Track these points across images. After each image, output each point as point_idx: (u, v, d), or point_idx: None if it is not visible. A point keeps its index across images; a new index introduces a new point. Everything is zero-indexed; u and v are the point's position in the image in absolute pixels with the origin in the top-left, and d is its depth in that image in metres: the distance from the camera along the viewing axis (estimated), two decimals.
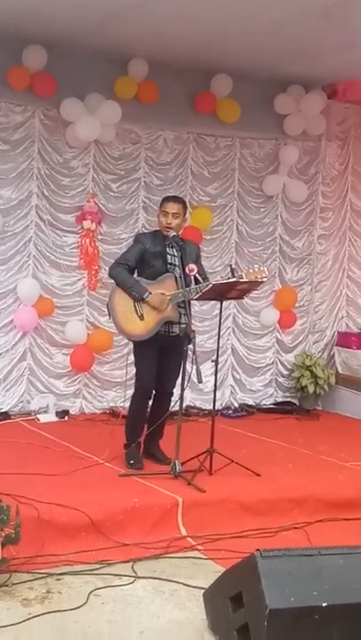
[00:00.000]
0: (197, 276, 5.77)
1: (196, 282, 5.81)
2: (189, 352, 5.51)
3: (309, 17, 6.10)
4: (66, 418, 7.50)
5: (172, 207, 5.86)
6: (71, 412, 7.67)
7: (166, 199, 6.02)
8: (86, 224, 7.59)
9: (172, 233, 5.83)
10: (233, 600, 3.63)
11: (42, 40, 6.99)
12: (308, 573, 3.54)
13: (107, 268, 6.45)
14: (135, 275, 5.89)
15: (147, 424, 6.01)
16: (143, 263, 5.85)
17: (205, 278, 5.87)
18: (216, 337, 6.18)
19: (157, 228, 6.04)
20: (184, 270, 5.72)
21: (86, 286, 7.72)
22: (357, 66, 7.47)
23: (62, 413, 7.51)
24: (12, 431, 6.87)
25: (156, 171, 7.99)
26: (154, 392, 5.98)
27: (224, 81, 7.94)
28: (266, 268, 5.95)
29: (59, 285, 7.65)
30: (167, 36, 6.75)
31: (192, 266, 5.68)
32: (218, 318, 6.13)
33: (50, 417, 7.41)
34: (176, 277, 5.78)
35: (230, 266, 6.06)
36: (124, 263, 5.84)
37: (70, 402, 7.76)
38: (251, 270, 5.87)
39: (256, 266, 6.05)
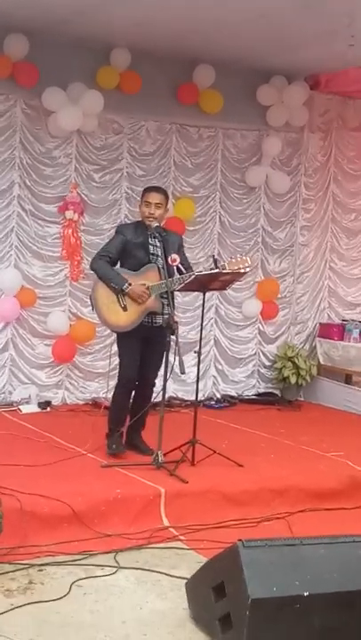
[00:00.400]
0: (180, 266, 5.76)
1: (179, 272, 5.80)
2: (172, 343, 5.50)
3: (291, 7, 6.11)
4: (48, 409, 7.49)
5: (155, 197, 5.85)
6: (53, 402, 7.66)
7: (148, 189, 6.01)
8: (69, 214, 7.57)
9: (155, 223, 5.82)
10: (215, 590, 3.64)
11: (23, 29, 6.94)
12: (290, 563, 3.56)
13: (89, 259, 6.43)
14: (118, 266, 5.88)
15: (129, 415, 6.01)
16: (125, 254, 5.84)
17: (189, 268, 5.87)
18: (199, 328, 6.19)
19: (139, 219, 6.03)
20: (167, 261, 5.72)
21: (69, 277, 7.70)
22: (339, 57, 7.46)
23: (44, 404, 7.50)
24: None
25: (139, 161, 7.97)
26: (136, 383, 5.98)
27: (207, 71, 7.93)
28: (249, 258, 5.95)
29: (41, 276, 7.62)
30: (149, 25, 6.73)
31: (174, 256, 5.67)
32: (200, 309, 6.14)
33: (32, 408, 7.40)
34: (159, 268, 5.77)
35: (213, 256, 6.05)
36: (105, 255, 5.83)
37: (52, 393, 7.75)
38: (233, 260, 5.86)
39: (239, 255, 6.05)
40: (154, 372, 5.97)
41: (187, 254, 7.87)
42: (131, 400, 6.03)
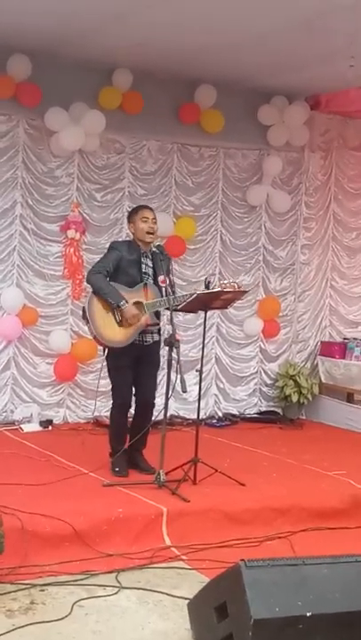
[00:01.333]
0: (168, 288, 5.76)
1: (166, 294, 5.79)
2: (173, 361, 5.51)
3: (292, 28, 6.16)
4: (49, 427, 7.48)
5: (151, 213, 5.93)
6: (55, 421, 7.65)
7: (142, 207, 6.07)
8: (70, 233, 7.60)
9: (156, 242, 5.87)
10: (217, 610, 3.62)
11: (26, 50, 7.00)
12: (293, 583, 3.54)
13: (89, 269, 6.43)
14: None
15: (129, 435, 6.00)
16: (119, 271, 5.86)
17: (174, 292, 5.85)
18: (200, 346, 6.19)
19: (130, 239, 6.08)
20: (156, 281, 5.74)
21: (70, 296, 7.72)
22: (340, 77, 7.52)
23: (46, 423, 7.49)
24: None
25: (141, 180, 8.01)
26: (135, 403, 5.97)
27: (208, 91, 7.99)
28: (237, 283, 5.96)
29: (43, 295, 7.64)
30: (151, 46, 6.79)
31: (162, 277, 5.69)
32: (202, 327, 6.14)
33: (33, 426, 7.39)
34: (154, 286, 5.80)
35: (205, 279, 6.08)
36: (102, 270, 5.85)
37: (54, 411, 7.75)
38: (227, 283, 5.89)
39: (227, 281, 6.08)
40: (151, 392, 5.97)
41: (187, 272, 7.97)
42: (130, 418, 6.03)
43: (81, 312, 6.14)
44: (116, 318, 5.74)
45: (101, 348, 6.20)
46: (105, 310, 5.76)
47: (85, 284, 6.33)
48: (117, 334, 5.77)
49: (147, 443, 6.04)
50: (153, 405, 6.01)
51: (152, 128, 7.89)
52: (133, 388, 5.98)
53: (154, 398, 6.01)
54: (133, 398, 6.04)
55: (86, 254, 7.74)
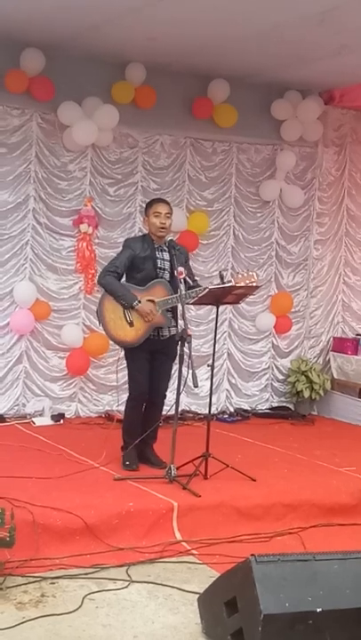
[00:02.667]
0: (187, 278, 5.77)
1: (186, 285, 5.81)
2: (185, 356, 5.51)
3: (305, 22, 6.14)
4: (61, 421, 7.50)
5: (164, 207, 5.91)
6: (67, 415, 7.67)
7: (156, 201, 6.05)
8: (83, 227, 7.60)
9: (169, 236, 5.88)
10: (227, 605, 3.62)
11: (39, 44, 7.01)
12: (303, 579, 3.54)
13: (101, 270, 6.45)
14: (124, 279, 5.90)
15: (141, 428, 6.01)
16: (133, 268, 5.86)
17: (194, 280, 5.90)
18: (212, 341, 6.19)
19: (145, 233, 6.07)
20: (173, 275, 5.74)
21: (83, 290, 7.73)
22: (353, 71, 7.50)
23: (58, 417, 7.51)
24: (7, 434, 6.86)
25: (154, 175, 8.00)
26: (149, 396, 5.98)
27: (221, 86, 7.97)
28: (256, 273, 5.94)
29: (55, 289, 7.65)
30: (164, 40, 6.78)
31: (181, 269, 5.68)
32: (214, 323, 6.14)
33: (45, 420, 7.41)
34: (166, 283, 5.81)
35: (220, 272, 6.07)
36: (113, 271, 5.84)
37: (66, 405, 7.77)
38: (240, 276, 5.87)
39: (245, 271, 6.06)
40: (164, 384, 5.98)
41: (200, 267, 7.96)
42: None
43: (95, 311, 6.17)
44: (127, 319, 5.75)
45: None
46: (116, 311, 5.78)
47: (97, 285, 6.32)
48: (128, 335, 5.79)
49: (157, 437, 6.05)
50: (164, 397, 6.02)
51: (165, 122, 7.88)
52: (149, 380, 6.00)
53: (166, 390, 6.02)
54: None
55: (99, 248, 7.75)
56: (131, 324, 5.75)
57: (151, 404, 6.00)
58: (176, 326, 5.89)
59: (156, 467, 5.86)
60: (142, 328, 5.76)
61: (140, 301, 5.71)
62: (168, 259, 5.87)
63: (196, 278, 6.04)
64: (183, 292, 5.66)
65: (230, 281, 5.85)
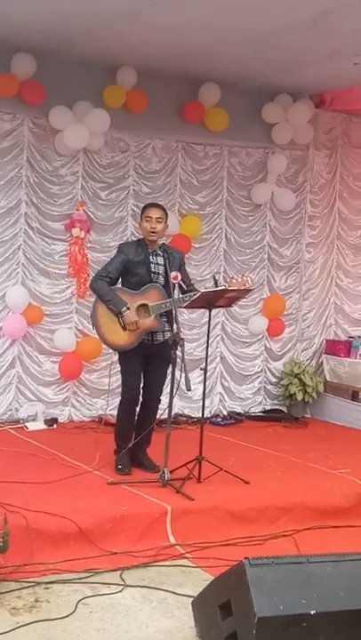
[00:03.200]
0: (181, 283, 5.79)
1: (181, 289, 5.83)
2: (178, 360, 5.51)
3: (297, 26, 6.15)
4: (54, 426, 7.49)
5: (155, 212, 5.91)
6: (60, 420, 7.66)
7: (148, 205, 6.07)
8: (75, 232, 7.60)
9: (160, 241, 5.90)
10: (222, 608, 3.62)
11: (31, 48, 7.01)
12: (297, 581, 3.54)
13: (94, 275, 6.45)
14: (119, 284, 5.90)
15: (134, 432, 6.01)
16: (127, 273, 5.87)
17: (190, 285, 5.91)
18: (205, 345, 6.20)
19: (140, 238, 6.08)
20: (167, 279, 5.75)
21: (75, 294, 7.73)
22: (344, 75, 7.52)
23: (51, 421, 7.50)
24: (0, 439, 6.84)
25: (145, 179, 8.01)
26: (141, 400, 5.99)
27: (212, 90, 7.98)
28: (250, 278, 5.97)
29: (48, 293, 7.65)
30: (156, 45, 6.79)
31: (175, 273, 5.70)
32: (207, 326, 6.15)
33: (38, 425, 7.40)
34: (161, 287, 5.81)
35: (214, 276, 6.09)
36: (105, 275, 5.86)
37: (59, 410, 7.75)
38: (235, 280, 5.89)
39: (240, 275, 6.07)
40: (158, 388, 5.99)
41: (193, 271, 7.94)
42: (136, 417, 6.04)
43: (89, 314, 6.19)
44: (120, 323, 5.77)
45: None
46: (109, 315, 5.80)
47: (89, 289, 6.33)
48: (121, 339, 5.80)
49: (151, 441, 6.05)
50: (158, 401, 6.03)
51: (156, 127, 7.88)
52: (143, 384, 6.00)
53: (160, 394, 6.03)
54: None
55: (91, 253, 7.75)
56: (124, 327, 5.76)
57: (145, 408, 6.01)
58: (171, 330, 5.90)
59: (149, 471, 5.86)
60: (135, 333, 5.77)
61: (128, 308, 5.72)
62: (162, 263, 5.88)
63: (192, 282, 6.05)
64: (176, 297, 5.68)
65: (223, 285, 5.86)
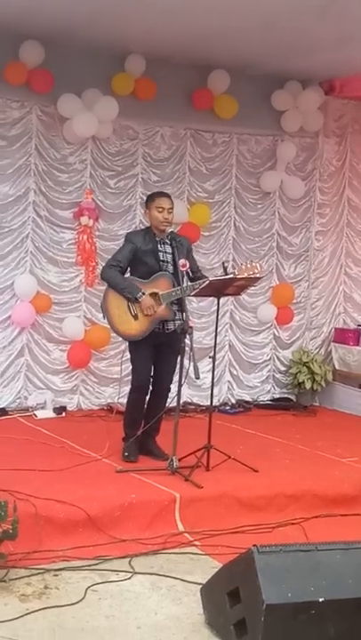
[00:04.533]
0: (189, 271, 5.77)
1: (188, 277, 5.82)
2: (187, 348, 5.51)
3: (306, 12, 6.11)
4: (63, 414, 7.51)
5: (168, 202, 5.89)
6: (68, 408, 7.68)
7: (159, 195, 6.02)
8: (84, 220, 7.59)
9: (169, 229, 5.87)
10: (230, 595, 3.63)
11: (39, 36, 6.98)
12: (305, 569, 3.55)
13: (104, 265, 6.45)
14: (128, 274, 5.90)
15: (143, 420, 6.01)
16: (135, 262, 5.86)
17: (198, 271, 5.91)
18: (213, 333, 6.19)
19: (147, 226, 6.06)
20: (176, 267, 5.74)
21: (84, 282, 7.73)
22: (354, 62, 7.47)
23: (60, 409, 7.52)
24: (9, 427, 6.88)
25: (154, 167, 7.99)
26: (151, 388, 5.99)
27: (221, 77, 7.94)
28: (259, 264, 5.93)
29: (56, 281, 7.65)
30: (164, 31, 6.75)
31: (183, 261, 5.69)
32: (215, 314, 6.14)
33: (47, 413, 7.42)
34: (170, 276, 5.80)
35: (223, 263, 6.07)
36: (115, 265, 5.85)
37: (68, 398, 7.77)
38: (244, 267, 5.87)
39: (249, 261, 6.05)
40: (168, 377, 5.98)
41: (202, 259, 7.95)
42: (145, 405, 6.05)
43: (99, 304, 6.18)
44: (131, 312, 5.76)
45: None
46: (120, 305, 5.78)
47: (100, 279, 6.31)
48: (133, 328, 5.79)
49: (160, 429, 6.05)
50: (169, 389, 6.02)
51: (165, 114, 7.85)
52: (153, 372, 6.00)
53: (170, 382, 6.01)
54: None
55: (99, 241, 7.74)
56: (135, 317, 5.76)
57: (155, 397, 6.00)
58: (181, 319, 5.89)
59: (158, 458, 5.86)
60: (146, 321, 5.76)
61: (143, 293, 5.71)
62: (170, 251, 5.86)
63: (200, 269, 6.04)
64: (185, 285, 5.67)
65: (234, 272, 5.84)
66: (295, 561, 3.57)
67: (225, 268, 5.89)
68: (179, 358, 5.66)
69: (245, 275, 5.79)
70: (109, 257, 6.18)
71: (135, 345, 5.92)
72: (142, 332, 5.78)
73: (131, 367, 6.06)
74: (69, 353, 7.68)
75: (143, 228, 6.45)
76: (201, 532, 4.96)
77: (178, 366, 5.73)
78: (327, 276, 9.03)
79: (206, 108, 8.03)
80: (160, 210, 5.84)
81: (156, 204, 5.88)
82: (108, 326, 6.12)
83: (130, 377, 6.11)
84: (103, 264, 6.76)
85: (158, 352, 5.90)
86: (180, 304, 5.81)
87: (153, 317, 5.75)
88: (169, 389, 6.04)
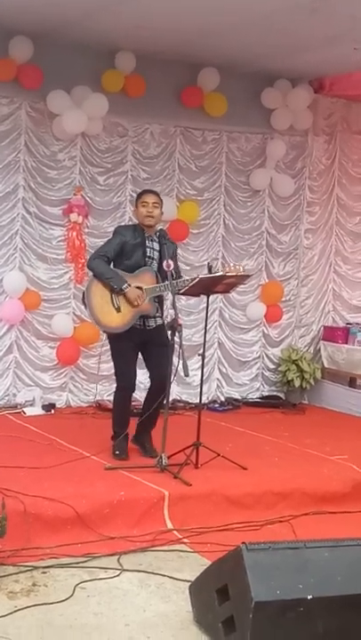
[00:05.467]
0: (173, 272, 5.75)
1: (172, 278, 5.78)
2: (176, 346, 5.50)
3: (296, 11, 6.11)
4: (52, 411, 7.49)
5: (152, 197, 5.90)
6: (57, 405, 7.66)
7: (144, 192, 6.06)
8: (73, 217, 7.58)
9: (159, 226, 5.87)
10: (219, 593, 3.63)
11: (28, 31, 6.96)
12: (294, 566, 3.55)
13: (91, 255, 6.42)
14: (112, 266, 5.89)
15: (143, 410, 5.98)
16: (122, 255, 5.84)
17: (179, 274, 5.88)
18: (203, 331, 6.19)
19: (136, 223, 6.07)
20: (161, 265, 5.73)
21: (73, 279, 7.71)
22: (344, 60, 7.48)
23: (48, 407, 7.50)
24: None
25: (143, 164, 7.97)
26: (150, 382, 5.97)
27: (211, 75, 7.94)
28: (243, 267, 5.95)
29: (45, 278, 7.63)
30: (154, 29, 6.74)
31: (170, 262, 5.68)
32: (205, 312, 6.13)
33: (36, 410, 7.40)
34: (155, 271, 5.81)
35: (208, 263, 6.07)
36: (103, 255, 5.84)
37: (57, 395, 7.76)
38: (227, 268, 5.88)
39: (232, 264, 6.06)
40: (164, 369, 5.83)
41: (191, 257, 7.95)
42: (144, 398, 6.03)
43: (81, 296, 6.15)
44: (114, 304, 5.74)
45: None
46: (103, 296, 5.76)
47: (87, 268, 6.30)
48: (114, 320, 5.77)
49: (156, 423, 6.00)
50: (165, 378, 5.91)
51: (155, 111, 7.85)
52: (147, 369, 6.01)
53: (165, 372, 5.93)
54: (146, 378, 6.06)
55: (89, 238, 7.72)
56: (118, 309, 5.74)
57: (155, 389, 5.89)
58: (162, 316, 5.90)
59: (147, 455, 5.85)
60: (129, 314, 5.74)
61: (129, 285, 5.70)
62: (158, 249, 5.88)
63: (182, 274, 5.98)
64: (173, 281, 5.66)
65: (218, 271, 5.84)
66: (284, 558, 3.57)
67: (210, 268, 5.89)
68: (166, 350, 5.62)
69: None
70: (98, 249, 6.15)
71: (116, 344, 5.90)
72: (123, 325, 5.74)
73: (114, 370, 6.03)
74: (58, 350, 7.66)
75: (132, 224, 6.44)
76: (190, 529, 4.97)
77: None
78: (316, 274, 9.04)
79: (196, 106, 8.02)
80: (144, 204, 5.86)
81: (141, 199, 5.91)
82: (89, 317, 6.05)
83: (113, 375, 6.07)
84: None
85: (145, 350, 5.89)
86: (159, 301, 5.84)
87: (136, 311, 5.73)
88: (165, 377, 5.76)
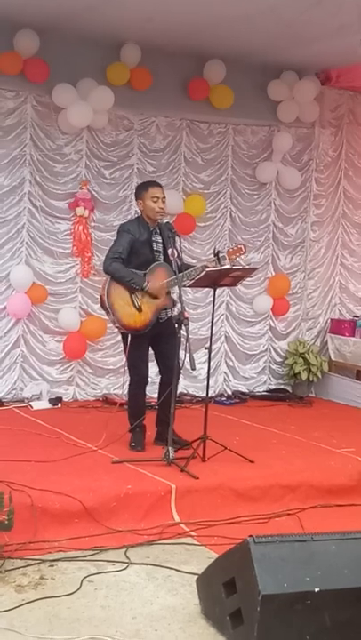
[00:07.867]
0: (177, 259, 5.74)
1: (177, 265, 5.75)
2: (182, 339, 5.50)
3: (303, 2, 6.08)
4: (59, 405, 7.50)
5: (161, 192, 5.89)
6: (64, 399, 7.67)
7: (152, 184, 5.99)
8: (79, 211, 7.57)
9: (165, 220, 5.86)
10: (226, 586, 3.64)
11: (34, 25, 6.95)
12: (301, 559, 3.55)
13: (99, 255, 6.44)
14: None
15: (159, 407, 6.00)
16: (131, 253, 5.82)
17: (180, 258, 5.80)
18: (209, 324, 6.19)
19: (138, 216, 6.05)
20: (167, 256, 5.74)
21: (79, 273, 7.71)
22: (350, 52, 7.44)
23: (55, 400, 7.51)
24: (5, 418, 6.87)
25: (149, 157, 7.96)
26: (161, 374, 5.99)
27: (217, 67, 7.91)
28: (244, 245, 5.95)
29: (52, 272, 7.63)
30: (160, 21, 6.73)
31: (174, 250, 5.68)
32: (211, 305, 6.13)
33: (43, 404, 7.41)
34: (167, 265, 5.81)
35: (215, 249, 6.05)
36: (117, 257, 5.79)
37: (63, 389, 7.77)
38: (230, 249, 5.89)
39: (234, 244, 6.03)
40: (174, 358, 5.72)
41: (197, 250, 7.93)
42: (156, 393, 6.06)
43: (98, 301, 6.13)
44: (135, 304, 5.74)
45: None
46: (124, 298, 5.75)
47: (99, 263, 6.28)
48: (138, 321, 5.76)
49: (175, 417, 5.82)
50: (177, 368, 5.81)
51: (161, 104, 7.83)
52: (158, 362, 6.02)
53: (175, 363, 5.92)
54: (153, 371, 6.07)
55: (95, 232, 7.72)
56: (139, 309, 5.74)
57: (167, 380, 5.87)
58: (171, 308, 5.90)
59: (184, 448, 5.74)
60: (150, 312, 5.77)
61: (148, 282, 5.73)
62: (161, 241, 5.89)
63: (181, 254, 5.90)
64: (182, 274, 5.66)
65: (225, 256, 5.82)
66: (291, 551, 3.57)
67: (216, 254, 5.86)
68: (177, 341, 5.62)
69: (233, 257, 5.80)
70: (105, 248, 6.17)
71: (135, 341, 5.86)
72: (146, 325, 5.76)
73: (128, 363, 6.01)
74: (65, 344, 7.67)
75: (134, 218, 6.40)
76: (197, 522, 4.97)
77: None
78: (323, 266, 9.03)
79: (202, 99, 8.00)
80: (155, 199, 5.83)
81: (151, 193, 5.85)
82: (109, 320, 6.04)
83: (123, 369, 6.06)
84: (99, 255, 6.76)
85: (156, 343, 5.91)
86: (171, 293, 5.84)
87: (155, 308, 5.74)
88: (177, 367, 5.75)
